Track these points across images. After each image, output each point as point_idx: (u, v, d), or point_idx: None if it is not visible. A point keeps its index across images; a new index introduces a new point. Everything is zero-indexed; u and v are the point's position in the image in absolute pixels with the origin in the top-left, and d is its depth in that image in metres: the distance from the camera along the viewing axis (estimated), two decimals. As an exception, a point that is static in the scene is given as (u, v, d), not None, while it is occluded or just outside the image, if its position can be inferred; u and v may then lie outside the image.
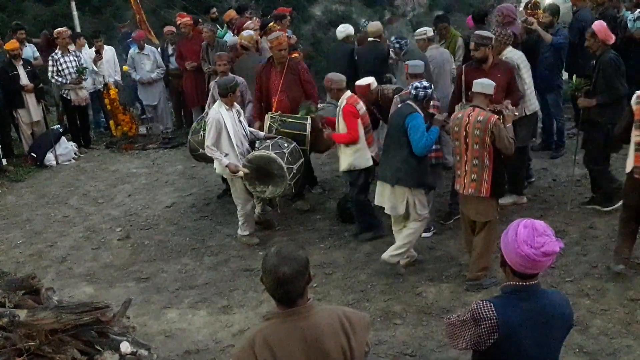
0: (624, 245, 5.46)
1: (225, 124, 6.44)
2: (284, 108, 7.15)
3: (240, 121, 6.65)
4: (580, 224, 6.49)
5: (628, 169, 5.33)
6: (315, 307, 2.53)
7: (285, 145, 6.64)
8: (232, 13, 10.62)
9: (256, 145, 6.74)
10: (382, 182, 5.88)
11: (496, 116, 5.26)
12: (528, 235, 2.58)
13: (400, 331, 5.13)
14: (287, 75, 7.20)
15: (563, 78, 8.45)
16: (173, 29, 10.84)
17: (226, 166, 6.45)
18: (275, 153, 6.46)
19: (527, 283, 2.67)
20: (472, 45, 6.38)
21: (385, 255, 5.89)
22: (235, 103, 6.61)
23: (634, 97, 5.16)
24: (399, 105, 5.96)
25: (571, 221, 6.55)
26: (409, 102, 5.75)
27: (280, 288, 2.45)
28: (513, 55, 6.71)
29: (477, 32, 6.65)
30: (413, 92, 5.68)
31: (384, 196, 5.87)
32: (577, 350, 4.64)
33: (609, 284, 5.40)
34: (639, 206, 5.33)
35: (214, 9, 12.01)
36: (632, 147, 5.24)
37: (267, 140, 6.70)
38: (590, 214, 6.65)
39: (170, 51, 10.69)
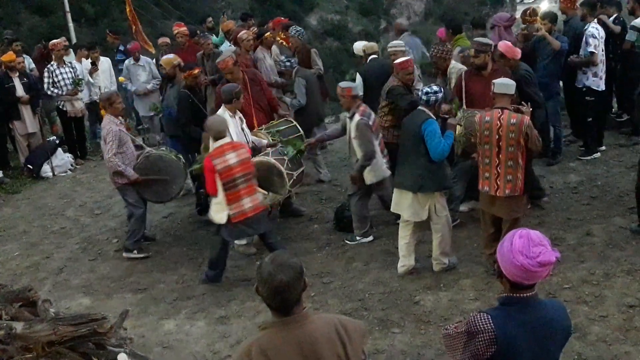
0: None
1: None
2: (263, 121, 7.31)
3: (242, 128, 6.71)
4: (577, 230, 6.49)
5: None
6: (311, 316, 2.54)
7: (286, 152, 6.75)
8: (230, 24, 10.67)
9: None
10: (401, 190, 5.88)
11: (528, 117, 5.38)
12: (523, 246, 2.57)
13: (399, 340, 5.12)
14: (252, 88, 7.37)
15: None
16: (167, 40, 10.87)
17: None
18: (275, 159, 6.54)
19: (525, 294, 2.65)
20: (471, 51, 6.50)
21: (436, 267, 6.04)
22: (237, 110, 6.68)
23: None
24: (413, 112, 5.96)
25: (568, 228, 6.56)
26: (421, 107, 5.78)
27: (277, 296, 2.45)
28: (460, 67, 6.92)
29: (476, 39, 6.76)
30: (424, 97, 5.70)
31: (403, 204, 5.88)
32: (576, 357, 4.63)
33: (606, 291, 5.39)
34: None
35: (210, 18, 12.07)
36: None
37: (269, 148, 6.81)
38: (587, 221, 6.65)
39: (165, 62, 10.69)
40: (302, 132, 7.34)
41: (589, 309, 5.19)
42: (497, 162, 5.44)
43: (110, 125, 6.70)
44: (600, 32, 7.82)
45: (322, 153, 9.29)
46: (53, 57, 10.36)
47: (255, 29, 9.97)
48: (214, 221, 6.17)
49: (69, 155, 10.73)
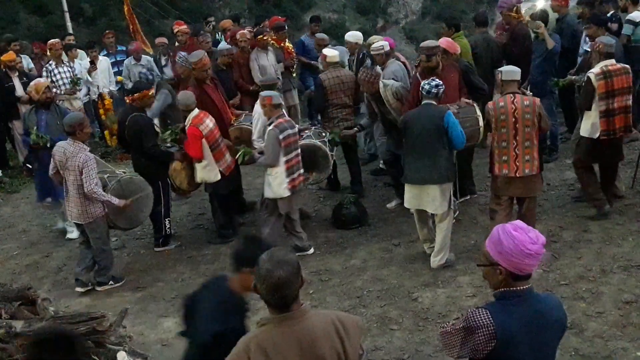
0: (597, 191, 6.61)
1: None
2: (230, 117, 7.52)
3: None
4: (574, 227, 6.52)
5: (588, 134, 6.40)
6: (309, 312, 2.55)
7: (324, 134, 7.11)
8: (227, 22, 10.80)
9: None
10: (422, 185, 5.89)
11: (538, 98, 5.78)
12: (525, 235, 2.63)
13: (397, 336, 5.14)
14: (219, 87, 7.56)
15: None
16: (165, 40, 10.91)
17: None
18: (319, 142, 6.90)
19: (521, 287, 2.69)
20: (422, 57, 6.58)
21: (434, 264, 6.06)
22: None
23: (593, 75, 6.21)
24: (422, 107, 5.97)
25: (565, 225, 6.58)
26: (428, 101, 5.84)
27: (276, 292, 2.47)
28: (392, 83, 6.88)
29: (423, 44, 6.79)
30: (434, 90, 5.81)
31: (425, 199, 5.91)
32: (573, 353, 4.66)
33: (603, 287, 5.42)
34: (594, 162, 6.60)
35: (212, 18, 12.15)
36: (595, 115, 6.28)
37: (306, 131, 7.13)
38: (584, 217, 6.68)
39: (163, 62, 10.72)
40: None
41: (585, 305, 5.22)
42: (515, 144, 5.68)
43: (85, 152, 6.03)
44: None
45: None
46: (56, 55, 10.34)
47: (250, 28, 10.06)
48: (209, 181, 6.87)
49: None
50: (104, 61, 11.18)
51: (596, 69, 6.26)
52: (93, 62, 10.90)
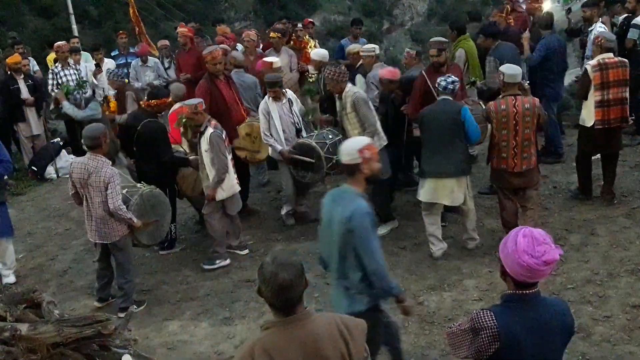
0: (589, 184, 7.08)
1: (270, 112, 6.94)
2: (244, 115, 7.59)
3: (291, 110, 7.10)
4: (581, 230, 6.49)
5: (585, 122, 6.74)
6: (313, 314, 2.55)
7: (330, 137, 7.05)
8: (221, 29, 11.11)
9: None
10: (438, 179, 6.03)
11: (537, 99, 5.98)
12: (528, 245, 2.58)
13: (403, 340, 5.09)
14: (232, 83, 7.63)
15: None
16: (167, 42, 10.97)
17: (279, 152, 7.03)
18: (316, 142, 6.88)
19: (528, 292, 2.67)
20: (433, 51, 6.76)
21: (471, 245, 6.33)
22: (287, 94, 7.18)
23: (590, 67, 6.55)
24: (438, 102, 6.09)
25: (572, 228, 6.55)
26: (446, 97, 5.99)
27: (280, 295, 2.46)
28: (354, 89, 6.72)
29: (433, 39, 7.02)
30: (450, 86, 5.97)
31: (442, 192, 6.06)
32: (580, 357, 4.63)
33: (610, 291, 5.39)
34: (592, 152, 6.94)
35: (191, 23, 12.24)
36: (591, 104, 6.58)
37: (316, 131, 7.23)
38: (590, 221, 6.64)
39: (166, 64, 10.77)
40: None
41: (593, 309, 5.19)
42: (515, 144, 5.88)
43: (109, 166, 5.62)
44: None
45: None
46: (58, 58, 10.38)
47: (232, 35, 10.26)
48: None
49: (73, 156, 10.73)
50: (109, 63, 11.22)
51: (593, 62, 6.59)
52: (98, 65, 10.93)
